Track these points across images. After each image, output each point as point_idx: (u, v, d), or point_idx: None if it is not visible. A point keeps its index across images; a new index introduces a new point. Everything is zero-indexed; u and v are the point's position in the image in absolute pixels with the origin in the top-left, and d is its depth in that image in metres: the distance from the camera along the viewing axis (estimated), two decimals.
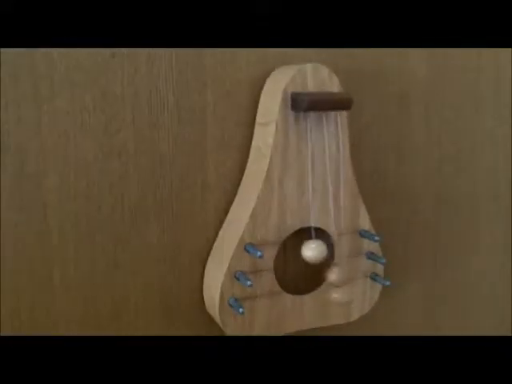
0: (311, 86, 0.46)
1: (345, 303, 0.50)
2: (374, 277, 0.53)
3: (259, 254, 0.45)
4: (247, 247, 0.46)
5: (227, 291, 0.47)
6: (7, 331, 0.44)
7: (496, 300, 0.70)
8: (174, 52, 0.46)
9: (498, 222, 0.66)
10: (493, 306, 0.70)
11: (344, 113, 0.48)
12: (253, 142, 0.49)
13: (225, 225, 0.50)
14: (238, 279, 0.46)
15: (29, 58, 0.42)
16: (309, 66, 0.46)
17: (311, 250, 0.46)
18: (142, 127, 0.46)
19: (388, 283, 0.52)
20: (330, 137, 0.48)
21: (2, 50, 0.40)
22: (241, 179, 0.50)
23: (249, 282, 0.45)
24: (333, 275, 0.48)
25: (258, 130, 0.49)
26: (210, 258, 0.50)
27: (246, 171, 0.49)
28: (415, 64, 0.57)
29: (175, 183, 0.48)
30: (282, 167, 0.47)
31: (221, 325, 0.48)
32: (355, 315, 0.53)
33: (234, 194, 0.50)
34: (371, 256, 0.52)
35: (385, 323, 0.62)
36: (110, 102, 0.45)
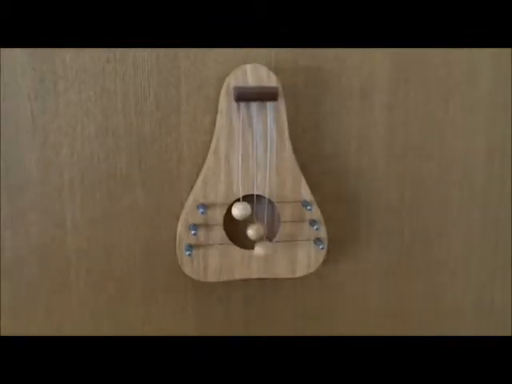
0: (251, 82, 0.58)
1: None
2: (316, 241, 0.63)
3: (202, 211, 0.59)
4: (199, 206, 0.60)
5: (183, 239, 0.61)
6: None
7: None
8: (155, 53, 0.61)
9: (467, 209, 0.70)
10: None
11: (281, 103, 0.59)
12: (216, 126, 0.63)
13: (192, 189, 0.64)
14: (190, 230, 0.61)
15: (50, 58, 0.60)
16: (248, 66, 0.58)
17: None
18: (130, 114, 0.62)
19: (321, 246, 0.62)
20: (271, 122, 0.60)
21: (31, 50, 0.59)
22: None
23: (193, 232, 0.59)
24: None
25: (218, 116, 0.62)
26: (181, 215, 0.64)
27: (210, 149, 0.63)
28: (378, 60, 0.65)
29: (156, 158, 0.64)
30: (227, 145, 0.60)
31: (181, 267, 0.62)
32: (300, 272, 0.64)
33: (203, 165, 0.64)
34: (312, 223, 0.62)
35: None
36: (107, 95, 0.62)
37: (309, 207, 0.61)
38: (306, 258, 0.63)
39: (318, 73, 0.64)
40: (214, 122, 0.63)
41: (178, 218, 0.64)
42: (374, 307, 0.72)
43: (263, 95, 0.57)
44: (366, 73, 0.65)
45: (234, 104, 0.59)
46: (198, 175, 0.64)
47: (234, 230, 0.64)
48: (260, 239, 0.60)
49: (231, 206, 0.61)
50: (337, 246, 0.68)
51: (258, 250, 0.60)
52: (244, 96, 0.56)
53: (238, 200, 0.60)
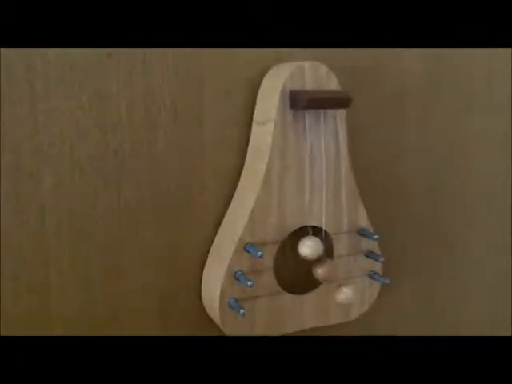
0: (309, 84, 0.46)
1: (350, 303, 0.49)
2: (372, 275, 0.53)
3: (259, 253, 0.45)
4: (247, 247, 0.46)
5: (227, 292, 0.46)
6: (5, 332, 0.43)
7: (494, 297, 0.70)
8: (171, 51, 0.46)
9: (492, 221, 0.67)
10: (491, 304, 0.70)
11: (342, 111, 0.48)
12: (250, 142, 0.49)
13: (223, 225, 0.49)
14: (237, 279, 0.46)
15: (24, 57, 0.41)
16: (307, 64, 0.46)
17: (307, 247, 0.45)
18: (138, 127, 0.45)
19: (387, 281, 0.52)
20: (329, 135, 0.48)
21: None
22: (238, 179, 0.50)
23: (249, 283, 0.44)
24: (320, 270, 0.47)
25: (255, 129, 0.48)
26: (208, 259, 0.49)
27: (244, 171, 0.49)
28: (410, 63, 0.57)
29: (172, 183, 0.47)
30: (280, 166, 0.46)
31: (221, 326, 0.47)
32: (354, 314, 0.53)
33: (232, 194, 0.49)
34: (369, 254, 0.52)
35: (383, 322, 0.62)
36: (106, 102, 0.44)
37: (374, 236, 0.50)
38: (360, 296, 0.53)
39: (353, 74, 0.54)
40: (244, 137, 0.49)
41: (201, 265, 0.49)
42: (395, 313, 0.64)
43: (335, 101, 0.45)
44: (399, 75, 0.57)
45: (290, 113, 0.46)
46: (225, 207, 0.49)
47: (282, 273, 0.50)
48: (316, 257, 0.48)
49: (283, 244, 0.48)
50: None
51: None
52: (314, 103, 0.44)
53: (293, 235, 0.47)
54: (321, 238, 0.47)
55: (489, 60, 0.62)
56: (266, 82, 0.48)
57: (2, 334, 0.43)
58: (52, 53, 0.41)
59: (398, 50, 0.56)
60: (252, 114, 0.49)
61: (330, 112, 0.47)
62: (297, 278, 0.51)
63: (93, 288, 0.46)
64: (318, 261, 0.48)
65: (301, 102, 0.44)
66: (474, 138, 0.64)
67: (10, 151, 0.41)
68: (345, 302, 0.49)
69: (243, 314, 0.45)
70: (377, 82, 0.55)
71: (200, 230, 0.49)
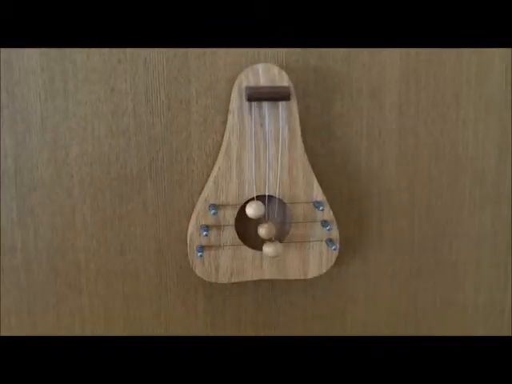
0: (263, 81, 0.58)
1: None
2: (327, 242, 0.63)
3: (213, 212, 0.58)
4: (210, 207, 0.60)
5: (195, 240, 0.61)
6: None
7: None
8: (165, 53, 0.61)
9: (480, 210, 0.70)
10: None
11: (293, 102, 0.59)
12: (227, 126, 0.62)
13: (203, 190, 0.64)
14: (202, 231, 0.60)
15: (60, 58, 0.59)
16: (260, 65, 0.58)
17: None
18: (140, 114, 0.62)
19: (334, 247, 0.61)
20: (283, 122, 0.59)
21: (41, 50, 0.58)
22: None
23: (204, 233, 0.59)
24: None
25: (228, 116, 0.62)
26: (192, 215, 0.64)
27: (221, 149, 0.63)
28: (388, 60, 0.65)
29: (166, 157, 0.63)
30: (238, 145, 0.59)
31: (192, 266, 0.62)
32: (312, 274, 0.64)
33: (213, 165, 0.64)
34: (324, 223, 0.62)
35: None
36: (117, 95, 0.61)
37: (321, 207, 0.60)
38: (317, 259, 0.63)
39: (328, 72, 0.63)
40: (224, 122, 0.62)
41: (188, 219, 0.64)
42: (384, 308, 0.71)
43: (275, 95, 0.56)
44: (376, 73, 0.64)
45: (246, 104, 0.58)
46: (208, 176, 0.63)
47: (246, 231, 0.63)
48: (271, 238, 0.60)
49: (243, 206, 0.60)
50: (347, 247, 0.68)
51: (267, 249, 0.59)
52: (256, 96, 0.56)
53: (251, 200, 0.59)
54: (276, 207, 0.59)
55: (480, 57, 0.66)
56: (236, 81, 0.61)
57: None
58: (78, 57, 0.60)
59: (376, 49, 0.64)
60: (228, 104, 0.62)
61: (284, 103, 0.59)
62: (260, 237, 0.63)
63: (105, 232, 0.64)
64: (262, 222, 0.60)
65: (246, 95, 0.56)
66: (462, 129, 0.68)
67: (50, 131, 0.61)
68: (270, 254, 0.59)
69: (200, 256, 0.59)
70: (352, 78, 0.64)
71: (188, 193, 0.64)
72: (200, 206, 0.61)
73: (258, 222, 0.61)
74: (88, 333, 0.66)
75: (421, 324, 0.73)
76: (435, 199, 0.69)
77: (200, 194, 0.64)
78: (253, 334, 0.69)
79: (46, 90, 0.60)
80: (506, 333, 0.74)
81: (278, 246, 0.59)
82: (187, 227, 0.64)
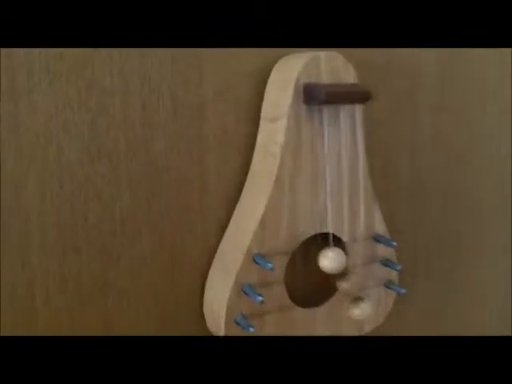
0: (325, 77, 0.41)
1: (365, 318, 0.45)
2: (388, 285, 0.49)
3: (270, 266, 0.40)
4: (256, 258, 0.41)
5: (234, 307, 0.42)
6: None
7: (494, 297, 0.67)
8: (170, 51, 0.41)
9: (503, 222, 0.63)
10: (494, 306, 0.67)
11: (360, 106, 0.43)
12: (258, 140, 0.44)
13: (227, 233, 0.44)
14: (246, 294, 0.41)
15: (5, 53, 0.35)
16: (322, 54, 0.41)
17: (328, 260, 0.41)
18: (134, 125, 0.40)
19: (403, 291, 0.48)
20: (346, 133, 0.43)
21: None
22: (243, 181, 0.45)
23: (260, 298, 0.40)
24: (346, 284, 0.43)
25: (264, 126, 0.43)
26: (211, 272, 0.44)
27: (251, 173, 0.44)
28: (424, 62, 0.53)
29: (171, 188, 0.43)
30: (293, 168, 0.42)
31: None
32: (368, 327, 0.49)
33: (237, 197, 0.45)
34: (386, 262, 0.48)
35: (387, 323, 0.59)
36: (98, 97, 0.39)
37: (392, 243, 0.46)
38: (375, 308, 0.49)
39: (369, 73, 0.49)
40: (250, 135, 0.44)
41: (203, 276, 0.45)
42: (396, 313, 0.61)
43: (355, 96, 0.40)
44: (413, 74, 0.52)
45: (305, 109, 0.41)
46: (229, 210, 0.45)
47: (292, 284, 0.46)
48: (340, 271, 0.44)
49: (294, 254, 0.43)
50: None
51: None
52: (333, 97, 0.39)
53: (323, 247, 0.43)
54: (341, 248, 0.43)
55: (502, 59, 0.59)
56: (276, 74, 0.43)
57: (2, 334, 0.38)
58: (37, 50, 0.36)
59: (412, 49, 0.52)
60: (259, 109, 0.44)
61: (348, 108, 0.43)
62: (308, 289, 0.46)
63: (83, 309, 0.41)
64: (342, 273, 0.44)
65: (318, 96, 0.39)
66: (488, 136, 0.60)
67: None
68: (360, 317, 0.44)
69: (251, 330, 0.40)
70: (388, 80, 0.51)
71: (202, 240, 0.44)
72: (239, 257, 0.41)
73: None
74: None
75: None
76: (462, 214, 0.60)
77: (218, 240, 0.45)
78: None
79: None
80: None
81: (368, 305, 0.44)
82: (201, 291, 0.45)
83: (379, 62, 0.50)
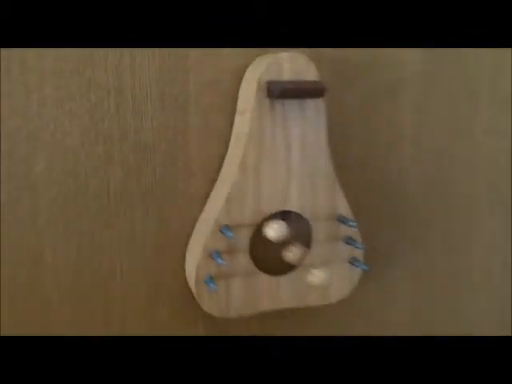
0: (287, 75, 0.48)
1: (323, 285, 0.51)
2: (352, 261, 0.54)
3: (230, 235, 0.47)
4: (222, 229, 0.49)
5: (203, 269, 0.49)
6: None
7: (494, 297, 0.69)
8: (157, 51, 0.49)
9: (494, 215, 0.66)
10: (491, 304, 0.70)
11: (322, 100, 0.49)
12: (233, 130, 0.51)
13: (205, 208, 0.52)
14: (212, 258, 0.49)
15: (19, 54, 0.45)
16: (285, 55, 0.48)
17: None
18: (126, 116, 0.49)
19: (365, 267, 0.53)
20: (308, 124, 0.50)
21: None
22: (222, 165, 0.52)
23: (221, 261, 0.47)
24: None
25: (236, 118, 0.51)
26: (191, 240, 0.52)
27: (226, 158, 0.52)
28: (407, 59, 0.58)
29: (158, 169, 0.51)
30: (257, 154, 0.49)
31: (198, 301, 0.50)
32: (334, 298, 0.55)
33: (216, 178, 0.52)
34: (349, 241, 0.54)
35: (382, 322, 0.64)
36: (96, 92, 0.48)
37: (350, 223, 0.52)
38: (340, 281, 0.55)
39: (345, 71, 0.55)
40: (228, 125, 0.51)
41: (185, 245, 0.53)
42: (396, 314, 0.65)
43: (308, 91, 0.47)
44: (394, 71, 0.57)
45: (267, 103, 0.48)
46: (209, 192, 0.52)
47: (258, 254, 0.53)
48: (300, 263, 0.50)
49: (259, 226, 0.50)
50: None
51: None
52: (285, 93, 0.46)
53: (268, 218, 0.50)
54: (297, 223, 0.50)
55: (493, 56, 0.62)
56: (248, 73, 0.50)
57: (2, 334, 0.48)
58: (46, 50, 0.46)
59: (395, 49, 0.57)
60: (234, 104, 0.51)
61: (310, 102, 0.49)
62: (274, 260, 0.53)
63: (83, 268, 0.50)
64: (289, 244, 0.50)
65: (275, 91, 0.46)
66: (478, 131, 0.63)
67: (7, 138, 0.46)
68: (317, 283, 0.51)
69: (214, 289, 0.48)
70: (372, 76, 0.56)
71: (185, 214, 0.52)
72: (210, 228, 0.49)
73: (276, 243, 0.51)
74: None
75: (420, 324, 0.67)
76: (450, 201, 0.64)
77: (199, 214, 0.52)
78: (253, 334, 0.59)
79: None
80: (506, 333, 0.71)
81: (326, 271, 0.50)
82: (184, 255, 0.53)
83: (358, 61, 0.55)
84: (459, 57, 0.60)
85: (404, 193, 0.61)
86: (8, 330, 0.48)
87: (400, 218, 0.62)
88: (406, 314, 0.66)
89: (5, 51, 0.45)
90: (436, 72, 0.59)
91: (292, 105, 0.48)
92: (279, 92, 0.46)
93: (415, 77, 0.59)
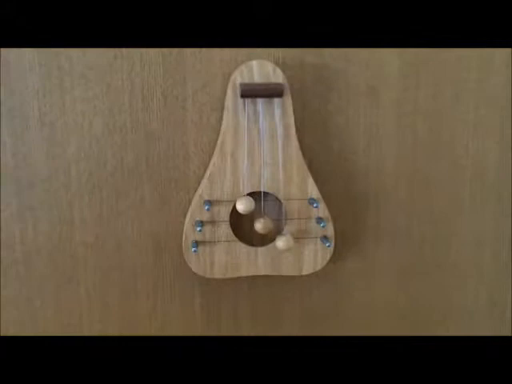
0: (257, 78, 0.58)
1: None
2: (322, 239, 0.63)
3: (206, 207, 0.59)
4: (205, 203, 0.60)
5: (189, 235, 0.61)
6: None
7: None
8: (161, 52, 0.61)
9: (480, 209, 0.69)
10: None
11: (288, 99, 0.59)
12: (222, 123, 0.63)
13: (199, 186, 0.64)
14: (196, 226, 0.61)
15: (57, 56, 0.60)
16: (255, 62, 0.58)
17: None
18: (137, 111, 0.62)
19: (328, 244, 0.61)
20: (278, 119, 0.59)
21: (39, 49, 0.59)
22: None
23: (198, 229, 0.59)
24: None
25: (224, 113, 0.62)
26: (188, 214, 0.64)
27: (216, 146, 0.63)
28: (386, 58, 0.64)
29: (162, 154, 0.64)
30: (233, 143, 0.59)
31: (187, 262, 0.62)
32: (306, 271, 0.64)
33: (209, 162, 0.64)
34: (319, 221, 0.62)
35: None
36: (114, 93, 0.62)
37: (315, 204, 0.60)
38: (312, 256, 0.63)
39: (325, 71, 0.63)
40: (220, 120, 0.62)
41: (185, 215, 0.64)
42: (381, 307, 0.71)
43: (269, 91, 0.56)
44: (374, 71, 0.64)
45: (240, 101, 0.58)
46: (204, 172, 0.64)
47: (241, 228, 0.63)
48: (268, 233, 0.60)
49: None
50: (344, 245, 0.68)
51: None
52: (249, 92, 0.56)
53: (242, 196, 0.60)
54: (272, 203, 0.60)
55: (480, 57, 0.66)
56: (231, 78, 0.61)
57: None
58: (75, 55, 0.60)
59: (392, 49, 0.63)
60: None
61: (279, 100, 0.59)
62: (256, 233, 0.63)
63: (103, 228, 0.64)
64: (258, 217, 0.60)
65: (245, 91, 0.57)
66: (461, 126, 0.67)
67: (48, 127, 0.62)
68: (282, 247, 0.60)
69: (195, 251, 0.60)
70: (349, 75, 0.64)
71: (184, 190, 0.65)
72: (195, 201, 0.61)
73: (253, 218, 0.61)
74: (85, 326, 0.67)
75: (420, 324, 0.72)
76: (434, 198, 0.69)
77: (195, 191, 0.64)
78: (248, 334, 0.69)
79: (43, 87, 0.61)
80: (506, 333, 0.73)
81: (290, 238, 0.59)
82: (183, 223, 0.64)
83: (340, 62, 0.64)
84: (444, 57, 0.65)
85: (387, 187, 0.67)
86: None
87: (381, 212, 0.68)
88: (405, 314, 0.71)
89: (46, 58, 0.60)
90: (418, 72, 0.65)
91: (262, 103, 0.58)
92: (248, 92, 0.56)
93: (397, 77, 0.65)
